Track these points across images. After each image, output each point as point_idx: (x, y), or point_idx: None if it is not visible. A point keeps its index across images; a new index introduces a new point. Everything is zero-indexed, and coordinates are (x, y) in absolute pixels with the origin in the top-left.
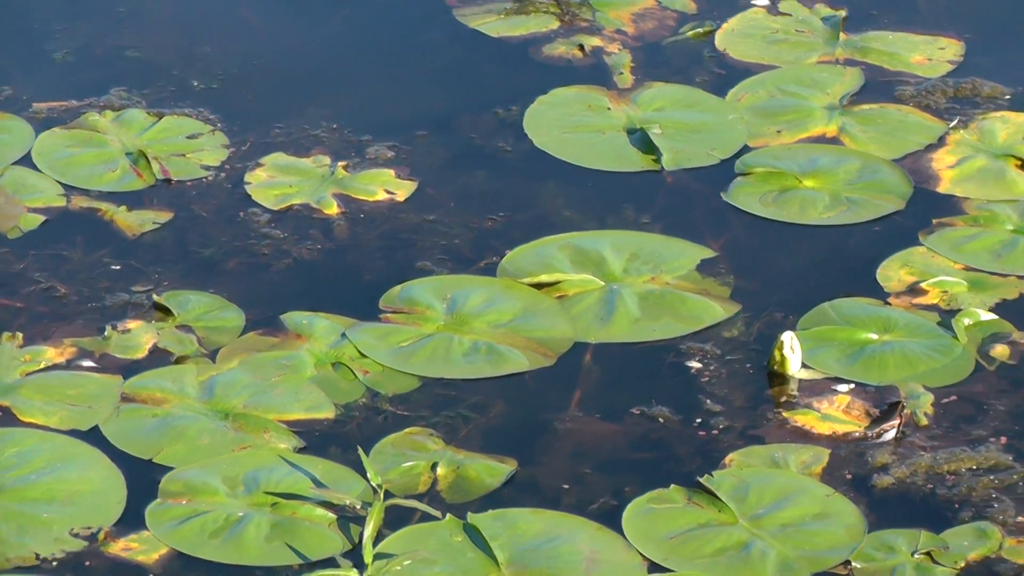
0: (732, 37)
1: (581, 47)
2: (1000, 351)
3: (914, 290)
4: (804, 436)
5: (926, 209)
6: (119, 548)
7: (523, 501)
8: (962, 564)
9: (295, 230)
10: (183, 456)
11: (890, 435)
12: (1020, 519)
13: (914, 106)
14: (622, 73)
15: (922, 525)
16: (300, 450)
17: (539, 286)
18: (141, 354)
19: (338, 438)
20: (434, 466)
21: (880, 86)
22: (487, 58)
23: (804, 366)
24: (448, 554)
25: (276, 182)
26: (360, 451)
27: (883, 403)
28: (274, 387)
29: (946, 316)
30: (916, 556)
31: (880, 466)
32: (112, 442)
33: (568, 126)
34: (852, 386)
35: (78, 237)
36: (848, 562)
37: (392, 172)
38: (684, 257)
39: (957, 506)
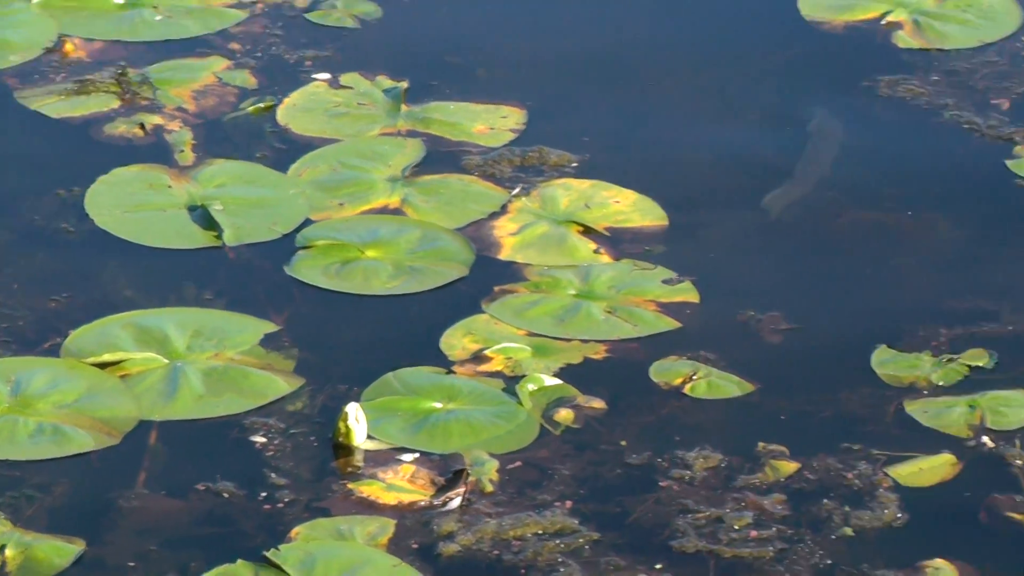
0: (294, 112)
1: (142, 126)
2: (564, 415)
3: (478, 357)
4: (370, 507)
5: (488, 276)
6: None
7: None
8: None
9: None
10: None
11: (455, 503)
12: None
13: (479, 175)
14: (183, 151)
15: None
16: None
17: (103, 365)
18: None
19: None
20: (2, 548)
21: (444, 156)
22: (48, 139)
23: (369, 437)
24: None
25: None
26: None
27: (448, 471)
28: None
29: (511, 382)
30: None
31: (446, 534)
32: None
33: (129, 205)
34: (417, 455)
35: None
36: None
37: None
38: (247, 332)
39: (523, 571)
